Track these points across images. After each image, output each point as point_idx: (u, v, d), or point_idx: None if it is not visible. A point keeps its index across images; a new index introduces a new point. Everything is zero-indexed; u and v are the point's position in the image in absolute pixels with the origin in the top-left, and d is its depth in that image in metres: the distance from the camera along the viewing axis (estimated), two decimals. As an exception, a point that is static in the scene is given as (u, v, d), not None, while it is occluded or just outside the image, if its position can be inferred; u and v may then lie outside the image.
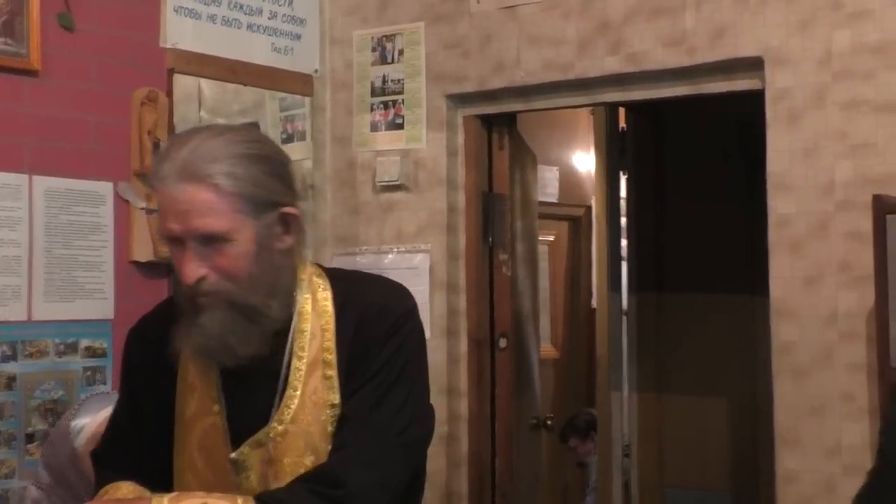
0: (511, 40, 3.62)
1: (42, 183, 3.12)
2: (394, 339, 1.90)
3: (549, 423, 4.48)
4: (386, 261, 3.79)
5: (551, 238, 6.73)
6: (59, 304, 3.15)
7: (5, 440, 3.01)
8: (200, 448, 1.97)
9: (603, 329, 5.18)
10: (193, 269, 1.81)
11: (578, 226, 6.83)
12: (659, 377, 5.11)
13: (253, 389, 1.93)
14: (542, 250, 6.62)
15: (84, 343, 3.20)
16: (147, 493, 1.98)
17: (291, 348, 1.91)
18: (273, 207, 1.86)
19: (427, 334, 3.53)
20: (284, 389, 1.90)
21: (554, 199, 6.57)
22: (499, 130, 3.90)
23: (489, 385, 3.84)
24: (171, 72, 3.44)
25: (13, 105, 3.06)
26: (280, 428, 1.89)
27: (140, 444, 2.05)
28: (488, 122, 3.87)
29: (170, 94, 3.43)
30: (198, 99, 3.92)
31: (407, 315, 1.94)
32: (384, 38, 3.86)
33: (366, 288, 1.98)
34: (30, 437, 3.06)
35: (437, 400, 3.62)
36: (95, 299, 3.22)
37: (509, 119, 3.93)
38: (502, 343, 3.87)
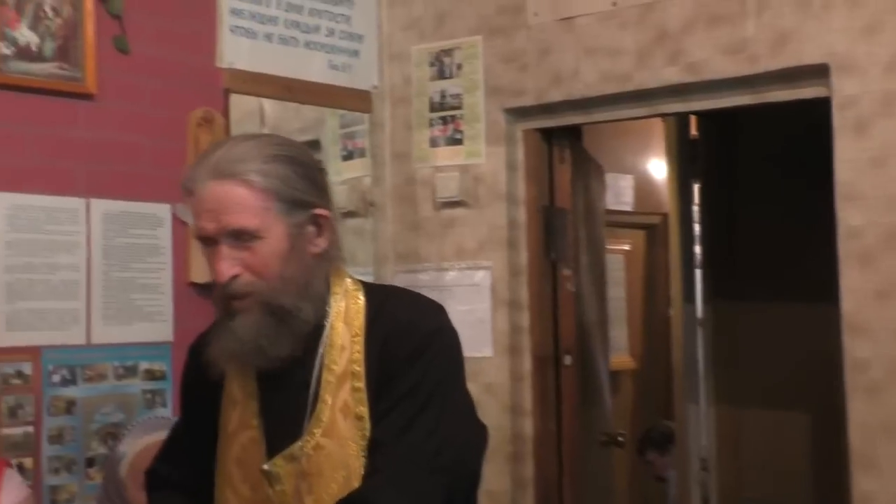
0: (569, 52, 3.56)
1: (99, 206, 3.13)
2: (422, 360, 1.87)
3: (620, 439, 4.38)
4: (447, 278, 3.75)
5: (627, 247, 6.65)
6: (118, 328, 3.16)
7: (65, 465, 3.03)
8: (238, 462, 1.98)
9: (678, 340, 5.08)
10: (226, 268, 1.84)
11: (655, 234, 6.73)
12: (736, 389, 4.98)
13: (287, 402, 1.92)
14: (618, 259, 6.56)
15: (143, 366, 3.21)
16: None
17: (322, 360, 1.90)
18: (304, 207, 1.88)
19: (489, 352, 3.62)
20: (316, 402, 1.89)
21: (629, 208, 6.49)
22: (559, 144, 3.83)
23: (554, 403, 3.77)
24: (227, 92, 3.44)
25: (69, 129, 3.09)
26: (312, 441, 1.89)
27: (193, 461, 2.08)
28: (548, 135, 3.80)
29: (226, 114, 3.43)
30: (260, 118, 3.93)
31: (434, 333, 1.91)
32: (442, 53, 3.82)
33: (396, 303, 1.96)
34: (90, 462, 3.07)
35: (501, 419, 3.61)
36: (154, 322, 3.23)
37: (570, 132, 3.87)
38: (567, 360, 3.80)
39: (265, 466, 1.92)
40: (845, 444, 3.81)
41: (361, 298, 1.96)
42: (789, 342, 4.76)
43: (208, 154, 1.89)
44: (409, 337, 1.88)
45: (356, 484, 1.86)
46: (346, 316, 1.93)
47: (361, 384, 1.89)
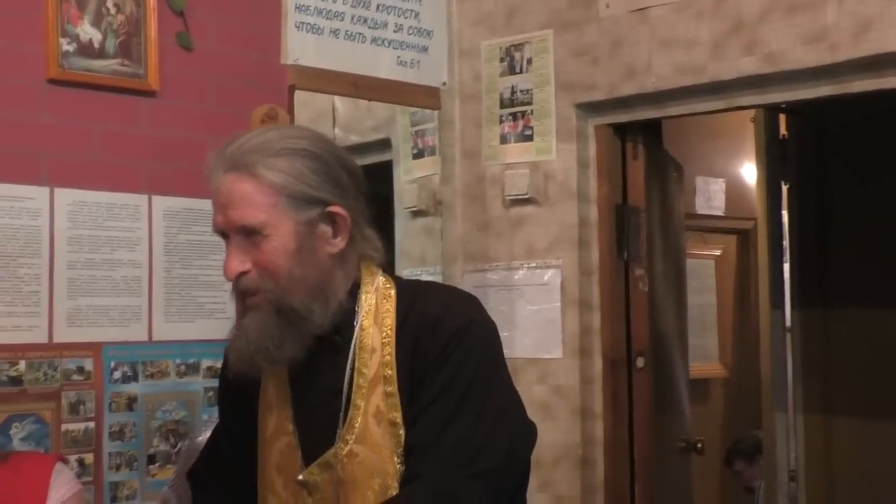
0: (642, 45, 3.45)
1: (161, 203, 3.13)
2: (455, 356, 1.79)
3: (699, 446, 4.24)
4: (516, 277, 3.67)
5: (718, 252, 6.51)
6: (180, 325, 3.15)
7: (127, 461, 3.03)
8: (278, 469, 1.93)
9: (765, 347, 4.93)
10: (235, 264, 1.81)
11: (747, 239, 6.56)
12: (827, 398, 4.80)
13: (319, 408, 1.87)
14: (708, 265, 6.42)
15: (205, 363, 3.20)
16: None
17: (353, 364, 1.84)
18: (316, 205, 1.81)
19: (558, 353, 3.53)
20: (348, 408, 1.83)
21: (720, 213, 6.35)
22: (633, 139, 3.72)
23: (626, 407, 3.66)
24: (292, 88, 3.41)
25: (132, 126, 3.09)
26: (346, 448, 1.83)
27: (233, 464, 2.05)
28: (621, 131, 3.70)
29: (291, 111, 3.40)
30: (332, 117, 3.91)
31: (466, 327, 1.82)
32: (512, 48, 3.75)
33: (427, 300, 1.88)
34: (151, 459, 3.07)
35: (570, 422, 3.52)
36: (216, 319, 3.21)
37: (644, 127, 3.75)
38: (640, 362, 3.69)
39: (300, 477, 1.87)
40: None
41: (393, 296, 1.89)
42: (883, 350, 4.58)
43: (227, 143, 1.85)
44: (439, 334, 1.81)
45: (393, 492, 1.80)
46: (376, 316, 1.87)
47: (394, 388, 1.82)
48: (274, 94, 3.37)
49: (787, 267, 4.99)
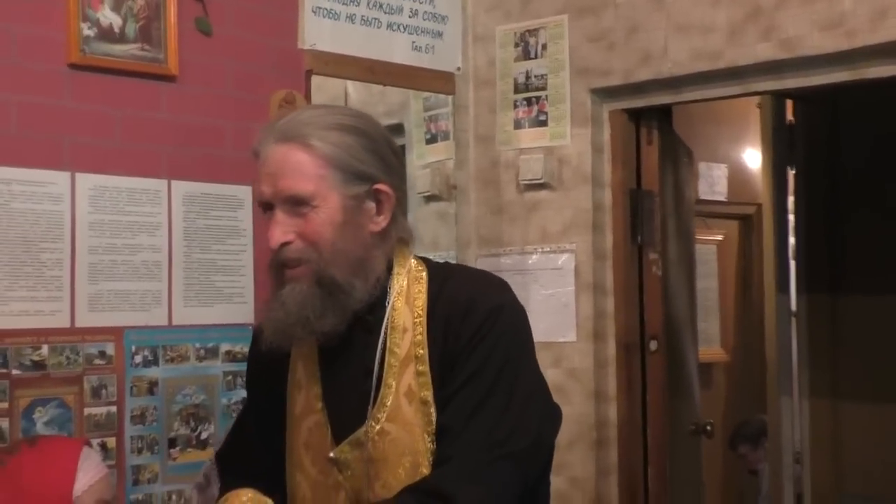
0: (658, 30, 3.47)
1: (180, 188, 3.13)
2: (486, 341, 1.81)
3: (709, 428, 4.27)
4: (530, 261, 3.68)
5: (720, 237, 6.53)
6: (199, 309, 3.16)
7: (148, 445, 3.04)
8: (307, 447, 1.95)
9: (771, 332, 4.95)
10: (279, 234, 1.81)
11: (749, 224, 6.59)
12: (834, 382, 4.84)
13: (350, 387, 1.89)
14: (711, 250, 6.43)
15: (224, 347, 3.21)
16: (267, 501, 1.98)
17: (385, 344, 1.85)
18: (364, 181, 1.83)
19: (573, 337, 3.55)
20: (379, 386, 1.85)
21: (723, 198, 6.37)
22: (647, 125, 3.74)
23: (640, 390, 3.69)
24: (309, 73, 3.42)
25: (152, 111, 3.09)
26: (377, 427, 1.85)
27: (260, 445, 2.06)
28: (636, 116, 3.71)
29: (308, 96, 3.40)
30: (345, 101, 3.91)
31: (498, 310, 1.84)
32: (527, 33, 3.75)
33: (458, 283, 1.90)
34: (172, 442, 3.08)
35: (585, 405, 3.54)
36: (235, 303, 3.23)
37: (659, 113, 3.77)
38: (653, 346, 3.71)
39: (332, 454, 1.89)
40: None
41: (424, 278, 1.91)
42: (890, 335, 4.61)
43: (278, 119, 1.88)
44: (471, 317, 1.83)
45: (424, 470, 1.82)
46: (407, 297, 1.88)
47: (425, 367, 1.84)
48: (291, 78, 3.38)
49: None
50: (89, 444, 2.57)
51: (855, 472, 4.80)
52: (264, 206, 1.85)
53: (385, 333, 1.87)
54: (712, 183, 6.36)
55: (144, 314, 3.05)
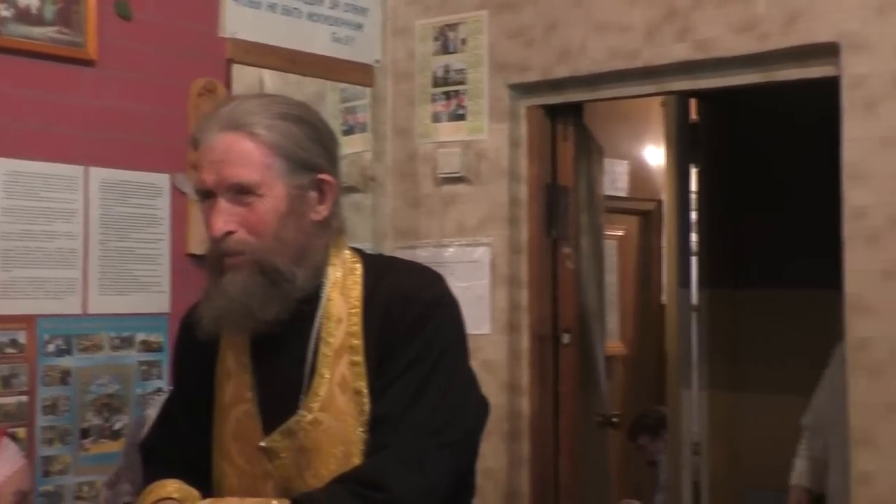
0: (576, 28, 3.52)
1: (98, 174, 3.08)
2: (424, 331, 1.82)
3: (615, 420, 4.36)
4: (446, 254, 3.71)
5: (621, 233, 6.62)
6: (115, 298, 3.11)
7: (59, 436, 2.98)
8: (235, 436, 1.93)
9: (672, 326, 5.06)
10: (222, 222, 1.79)
11: (649, 220, 6.71)
12: (733, 375, 4.97)
13: (282, 376, 1.88)
14: (611, 245, 6.52)
15: (140, 337, 3.17)
16: (192, 491, 1.95)
17: (319, 334, 1.86)
18: (309, 170, 1.83)
19: (487, 329, 3.59)
20: (312, 376, 1.85)
21: (624, 194, 6.46)
22: (563, 121, 3.80)
23: (552, 382, 3.74)
24: (230, 62, 3.40)
25: (70, 95, 3.04)
26: (310, 416, 1.84)
27: (187, 434, 2.03)
28: (552, 112, 3.77)
29: (228, 84, 3.38)
30: (260, 90, 3.88)
31: (436, 303, 1.85)
32: (446, 28, 3.78)
33: (395, 274, 1.91)
34: (84, 433, 3.03)
35: (498, 397, 3.58)
36: (151, 293, 3.19)
37: (574, 109, 3.83)
38: (566, 339, 3.77)
39: (262, 443, 1.88)
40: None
41: (359, 269, 1.91)
42: (788, 327, 4.74)
43: (219, 106, 1.85)
44: (409, 308, 1.83)
45: (356, 460, 1.81)
46: (343, 287, 1.88)
47: (360, 358, 1.84)
48: (212, 66, 3.36)
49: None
50: (8, 435, 2.52)
51: (751, 464, 4.93)
52: (204, 195, 1.83)
53: (319, 323, 1.87)
54: (614, 179, 6.45)
55: (58, 302, 3.00)
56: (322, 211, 1.87)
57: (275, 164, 1.80)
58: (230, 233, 1.79)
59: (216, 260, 1.83)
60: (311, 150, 1.84)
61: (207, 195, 1.82)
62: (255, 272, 1.80)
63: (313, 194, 1.85)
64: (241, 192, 1.79)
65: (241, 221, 1.79)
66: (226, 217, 1.79)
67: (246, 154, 1.79)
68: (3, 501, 2.11)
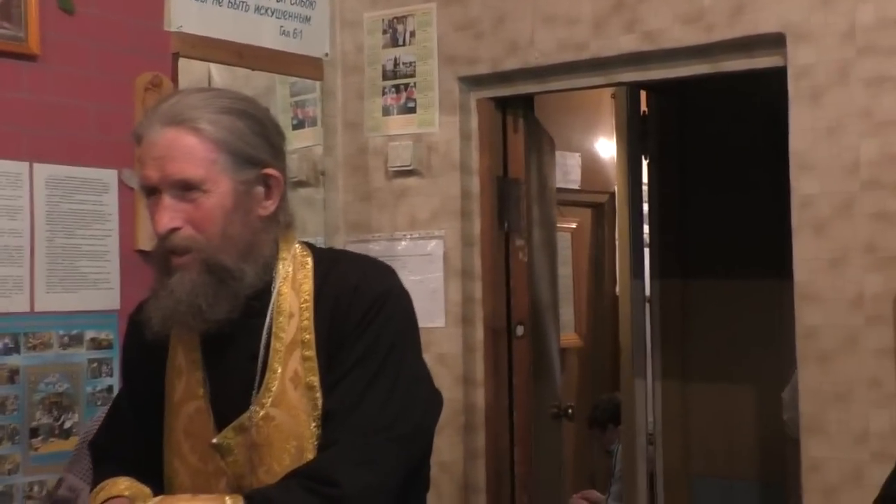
0: (525, 20, 3.53)
1: (43, 171, 3.04)
2: (373, 325, 1.81)
3: (570, 411, 4.38)
4: (399, 248, 3.71)
5: (574, 225, 6.64)
6: (63, 295, 3.08)
7: (8, 435, 2.95)
8: (186, 433, 1.92)
9: (625, 316, 5.08)
10: (167, 219, 1.77)
11: (602, 213, 6.74)
12: (684, 365, 5.01)
13: (233, 372, 1.87)
14: (565, 238, 6.55)
15: (89, 334, 3.14)
16: (144, 489, 1.93)
17: (270, 329, 1.85)
18: (254, 165, 1.82)
19: (441, 322, 3.59)
20: (264, 371, 1.84)
21: (576, 186, 6.49)
22: (513, 113, 3.80)
23: (506, 374, 3.75)
24: (176, 56, 3.37)
25: (12, 91, 3.00)
26: (262, 412, 1.83)
27: (137, 432, 2.02)
28: (502, 104, 3.77)
29: (175, 79, 3.35)
30: (208, 85, 3.85)
31: (385, 296, 1.85)
32: (395, 20, 3.77)
33: (345, 267, 1.90)
34: (34, 432, 3.00)
35: (453, 390, 3.58)
36: (100, 289, 3.16)
37: (524, 102, 3.84)
38: (519, 331, 3.78)
39: (215, 440, 1.86)
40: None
41: (310, 263, 1.90)
42: (737, 317, 4.79)
43: (162, 101, 1.83)
44: (359, 301, 1.82)
45: (309, 455, 1.81)
46: (293, 281, 1.87)
47: (312, 353, 1.83)
48: (158, 61, 3.32)
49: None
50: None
51: (702, 453, 4.98)
52: (148, 191, 1.80)
53: (271, 318, 1.86)
54: (566, 171, 6.47)
55: (5, 300, 2.96)
56: (269, 206, 1.86)
57: (219, 160, 1.78)
58: (175, 229, 1.77)
59: (162, 258, 1.81)
60: (257, 145, 1.82)
61: (152, 192, 1.80)
62: (203, 271, 1.78)
63: (259, 189, 1.84)
64: (186, 188, 1.77)
65: (186, 218, 1.78)
66: (171, 214, 1.77)
67: (189, 149, 1.77)
68: None
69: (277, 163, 1.85)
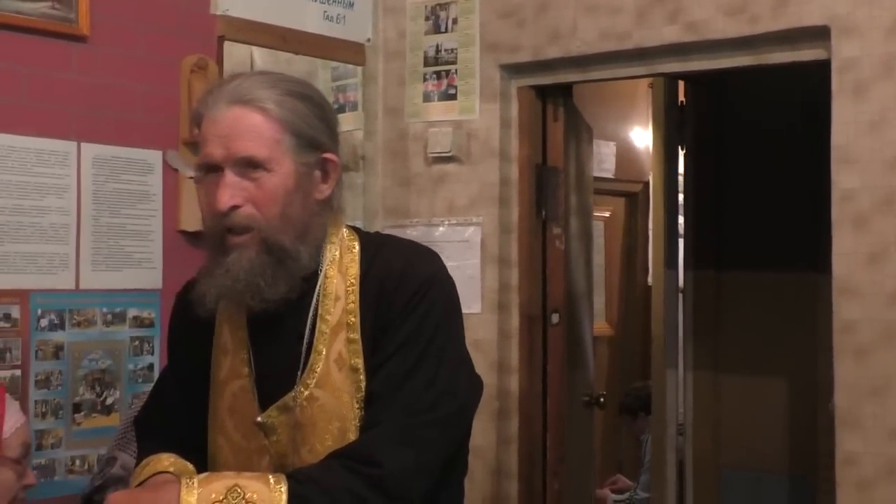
0: (567, 9, 3.53)
1: (90, 150, 3.08)
2: (418, 309, 1.84)
3: (601, 400, 4.40)
4: (437, 234, 3.73)
5: (607, 214, 6.66)
6: (107, 273, 3.12)
7: (52, 409, 2.99)
8: (231, 411, 1.95)
9: (658, 306, 5.09)
10: (228, 196, 1.79)
11: (635, 202, 6.76)
12: (716, 356, 5.01)
13: (279, 352, 1.90)
14: (598, 227, 6.55)
15: (132, 313, 3.17)
16: (188, 466, 1.97)
17: (317, 311, 1.87)
18: (315, 149, 1.85)
19: (477, 308, 3.61)
20: (309, 353, 1.86)
21: (610, 175, 6.50)
22: (553, 102, 3.81)
23: (541, 361, 3.76)
24: (221, 39, 3.39)
25: (62, 71, 3.03)
26: (306, 392, 1.86)
27: (181, 409, 2.05)
28: (543, 93, 3.77)
29: (220, 61, 3.38)
30: (250, 68, 3.88)
31: (430, 280, 1.87)
32: (438, 7, 3.79)
33: (391, 252, 1.92)
34: (77, 407, 3.04)
35: (488, 375, 3.59)
36: (143, 269, 3.20)
37: (564, 90, 3.84)
38: (554, 319, 3.79)
39: (259, 419, 1.89)
40: (824, 411, 3.86)
41: (356, 247, 1.92)
42: (771, 309, 4.79)
43: (225, 82, 1.86)
44: (405, 286, 1.85)
45: (351, 436, 1.84)
46: (340, 265, 1.90)
47: (356, 335, 1.86)
48: (203, 44, 3.35)
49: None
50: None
51: (732, 444, 4.98)
52: (207, 169, 1.83)
53: (317, 301, 1.89)
54: (601, 160, 6.47)
55: (51, 277, 3.00)
56: (325, 190, 1.89)
57: (284, 140, 1.80)
58: (236, 207, 1.80)
59: (219, 236, 1.83)
60: (318, 129, 1.85)
61: (212, 169, 1.82)
62: (262, 250, 1.81)
63: (317, 173, 1.87)
64: (250, 166, 1.79)
65: (247, 196, 1.80)
66: (232, 191, 1.79)
67: (256, 128, 1.79)
68: (12, 452, 2.13)
69: (335, 148, 1.88)
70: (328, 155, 1.86)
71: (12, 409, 2.21)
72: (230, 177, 1.79)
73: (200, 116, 1.83)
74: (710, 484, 5.02)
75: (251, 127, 1.79)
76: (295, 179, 1.82)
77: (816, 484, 4.43)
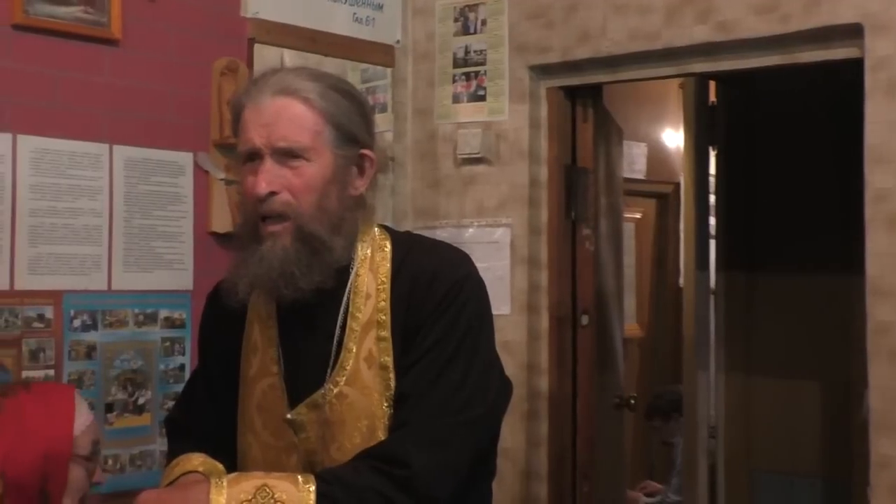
0: (596, 9, 3.52)
1: (122, 152, 3.10)
2: (450, 310, 1.85)
3: (632, 402, 4.38)
4: (466, 235, 3.73)
5: (638, 215, 6.64)
6: (139, 275, 3.14)
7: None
8: (260, 409, 1.96)
9: (690, 308, 5.07)
10: (265, 183, 1.80)
11: (666, 203, 6.73)
12: (748, 358, 4.99)
13: (309, 350, 1.91)
14: (628, 228, 6.54)
15: (163, 314, 3.20)
16: (217, 466, 1.98)
17: (347, 308, 1.87)
18: (354, 144, 1.87)
19: (506, 310, 3.61)
20: (339, 350, 1.87)
21: (641, 176, 6.48)
22: (583, 103, 3.80)
23: (570, 363, 3.76)
24: (252, 41, 3.41)
25: (94, 75, 3.06)
26: (336, 390, 1.87)
27: (211, 409, 2.07)
28: (572, 94, 3.77)
29: (250, 64, 3.40)
30: (280, 70, 3.89)
31: (462, 283, 1.88)
32: (467, 8, 3.79)
33: (422, 253, 1.94)
34: (109, 407, 3.06)
35: (517, 377, 3.59)
36: (174, 270, 3.22)
37: (594, 91, 3.83)
38: (584, 320, 3.78)
39: (289, 416, 1.90)
40: (858, 413, 3.82)
41: (388, 246, 1.94)
42: (803, 310, 4.76)
43: (268, 74, 1.88)
44: (436, 287, 1.86)
45: (381, 434, 1.84)
46: (371, 263, 1.91)
47: (387, 333, 1.87)
48: (234, 46, 3.37)
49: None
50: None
51: (764, 447, 4.95)
52: (247, 157, 1.85)
53: (348, 298, 1.89)
54: (631, 161, 6.46)
55: (84, 278, 3.02)
56: (360, 186, 1.90)
57: (325, 132, 1.83)
58: (273, 193, 1.81)
59: (253, 224, 1.85)
60: (358, 125, 1.87)
61: (251, 157, 1.84)
62: (296, 239, 1.82)
63: (354, 169, 1.88)
64: (290, 155, 1.81)
65: (285, 184, 1.82)
66: (270, 178, 1.81)
67: (298, 118, 1.81)
68: (82, 450, 2.16)
69: (372, 145, 1.90)
70: (366, 151, 1.88)
71: (82, 408, 2.23)
72: (269, 164, 1.81)
73: (242, 106, 1.85)
74: (742, 487, 4.99)
75: (294, 116, 1.81)
76: (333, 171, 1.84)
77: (850, 488, 4.39)
